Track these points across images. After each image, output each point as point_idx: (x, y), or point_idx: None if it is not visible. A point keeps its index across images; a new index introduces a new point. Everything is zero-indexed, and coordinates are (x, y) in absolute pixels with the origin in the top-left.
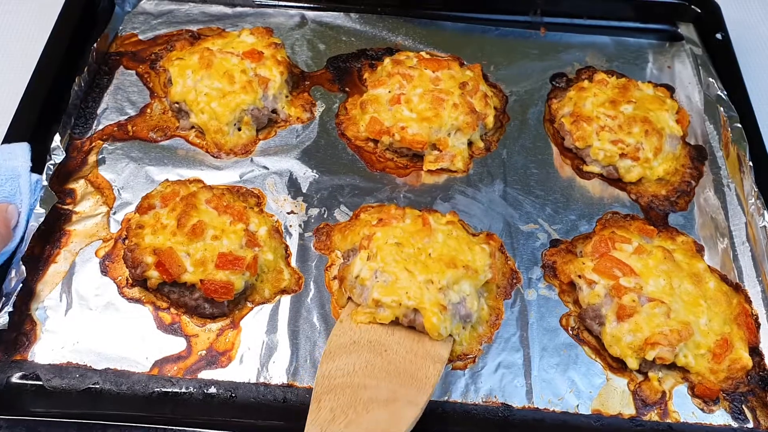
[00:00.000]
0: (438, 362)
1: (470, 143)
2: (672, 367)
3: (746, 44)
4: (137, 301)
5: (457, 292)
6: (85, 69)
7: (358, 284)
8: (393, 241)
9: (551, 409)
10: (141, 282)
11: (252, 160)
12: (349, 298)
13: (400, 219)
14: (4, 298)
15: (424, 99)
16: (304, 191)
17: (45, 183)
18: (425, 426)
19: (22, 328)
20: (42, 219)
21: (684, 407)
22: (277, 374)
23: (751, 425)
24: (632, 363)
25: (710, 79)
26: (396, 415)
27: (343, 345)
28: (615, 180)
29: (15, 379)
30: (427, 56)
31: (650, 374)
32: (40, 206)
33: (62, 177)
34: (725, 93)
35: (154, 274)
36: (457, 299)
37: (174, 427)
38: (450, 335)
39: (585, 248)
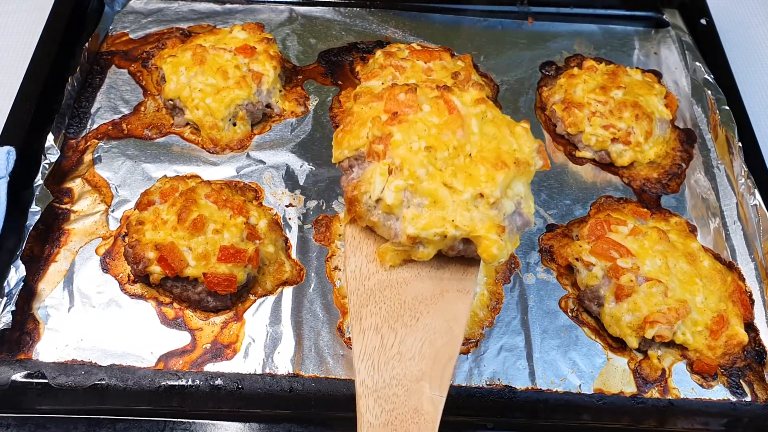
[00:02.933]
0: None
1: None
2: (671, 344)
3: (731, 28)
4: (140, 297)
5: (511, 198)
6: (78, 69)
7: (381, 212)
8: (419, 145)
9: (554, 390)
10: (143, 278)
11: (248, 154)
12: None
13: (415, 107)
14: (6, 298)
15: None
16: (302, 184)
17: (41, 182)
18: None
19: (25, 327)
20: (37, 217)
21: (683, 384)
22: (283, 365)
23: (749, 399)
24: (632, 342)
25: (697, 64)
26: (449, 312)
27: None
28: (607, 164)
29: (20, 378)
30: (419, 47)
31: (650, 352)
32: (36, 204)
33: (59, 176)
34: (712, 77)
35: (156, 270)
36: (512, 208)
37: (182, 420)
38: None
39: (581, 232)
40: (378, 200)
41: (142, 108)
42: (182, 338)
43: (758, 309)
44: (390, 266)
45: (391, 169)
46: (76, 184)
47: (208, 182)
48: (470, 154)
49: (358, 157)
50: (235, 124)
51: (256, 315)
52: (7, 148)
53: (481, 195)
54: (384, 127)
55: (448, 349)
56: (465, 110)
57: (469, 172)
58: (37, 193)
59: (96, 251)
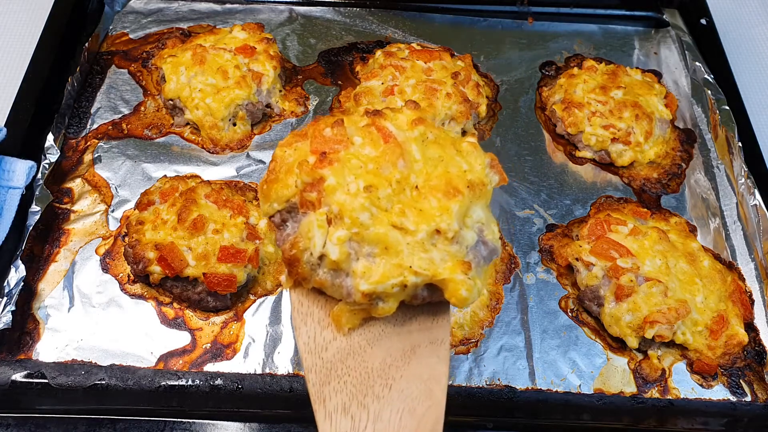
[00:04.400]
0: None
1: (464, 132)
2: (671, 344)
3: (731, 28)
4: (140, 297)
5: (471, 227)
6: (77, 69)
7: (327, 269)
8: (357, 185)
9: (554, 390)
10: (143, 278)
11: (248, 154)
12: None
13: (345, 142)
14: (5, 298)
15: (417, 89)
16: None
17: (41, 181)
18: None
19: (25, 327)
20: (37, 217)
21: (683, 383)
22: (283, 364)
23: (749, 399)
24: (632, 342)
25: (697, 64)
26: (425, 370)
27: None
28: (607, 164)
29: (20, 377)
30: (419, 47)
31: (650, 352)
32: (36, 204)
33: (58, 176)
34: (712, 76)
35: (156, 269)
36: (474, 238)
37: (182, 420)
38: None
39: (581, 232)
40: (321, 257)
41: (142, 108)
42: (182, 338)
43: (758, 309)
44: (348, 329)
45: (330, 218)
46: (76, 184)
47: (208, 182)
48: (416, 186)
49: (291, 209)
50: (235, 124)
51: (256, 315)
52: (30, 162)
53: (438, 231)
54: (313, 172)
55: (432, 415)
56: (402, 135)
57: (419, 206)
58: (36, 192)
59: (96, 251)
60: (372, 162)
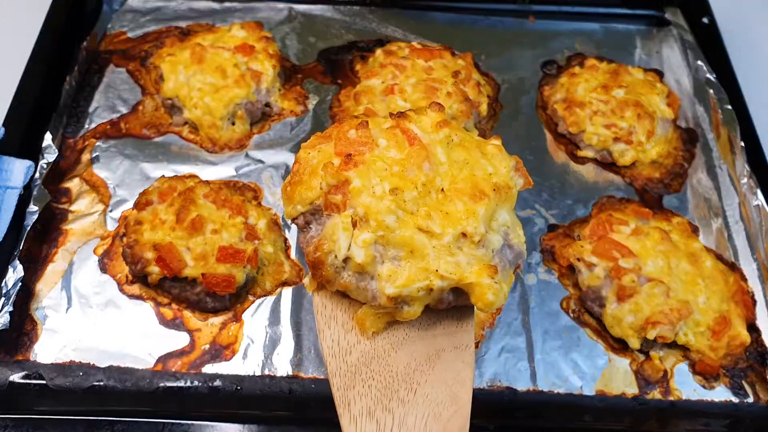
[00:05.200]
0: None
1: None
2: (672, 345)
3: (733, 26)
4: (138, 297)
5: (497, 231)
6: (75, 68)
7: (352, 273)
8: (383, 188)
9: (555, 391)
10: (141, 278)
11: (247, 154)
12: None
13: (370, 144)
14: (3, 299)
15: (417, 88)
16: None
17: (38, 181)
18: None
19: (23, 328)
20: (35, 217)
21: (685, 385)
22: (282, 366)
23: (751, 400)
24: (634, 343)
25: (699, 63)
26: (450, 375)
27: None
28: (609, 164)
29: (18, 378)
30: (419, 46)
31: (651, 353)
32: (33, 204)
33: (56, 176)
34: (714, 76)
35: (154, 270)
36: (500, 242)
37: (181, 421)
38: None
39: (583, 232)
40: (346, 259)
41: (141, 107)
42: (181, 339)
43: (760, 310)
44: (373, 333)
45: (355, 221)
46: (74, 184)
47: (207, 182)
48: (442, 189)
49: (315, 211)
50: (233, 123)
51: (255, 316)
52: (28, 162)
53: (464, 234)
54: (339, 174)
55: (458, 420)
56: (427, 138)
57: (445, 209)
58: (34, 192)
59: (94, 251)
60: (397, 164)
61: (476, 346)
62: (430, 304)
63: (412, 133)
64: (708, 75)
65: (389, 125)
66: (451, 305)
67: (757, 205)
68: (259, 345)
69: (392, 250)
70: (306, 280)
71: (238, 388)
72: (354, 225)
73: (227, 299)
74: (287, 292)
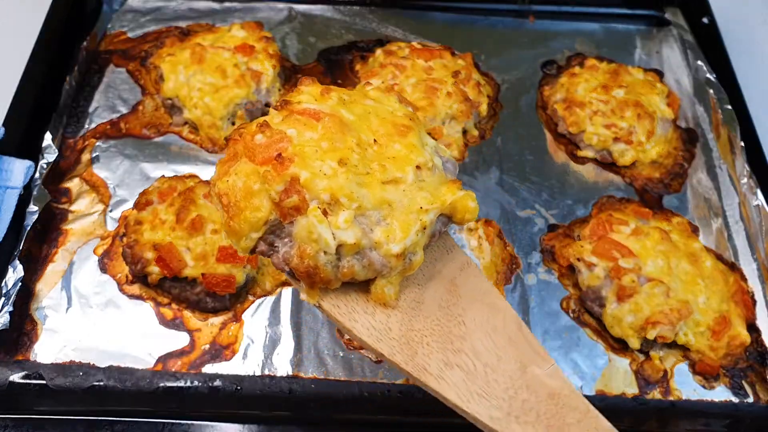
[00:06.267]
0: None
1: (465, 131)
2: (672, 345)
3: (733, 26)
4: (138, 297)
5: (432, 152)
6: (75, 68)
7: (350, 257)
8: (330, 165)
9: None
10: (141, 278)
11: None
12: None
13: (285, 139)
14: (3, 299)
15: (417, 88)
16: None
17: (38, 181)
18: (431, 413)
19: (23, 327)
20: (35, 217)
21: (685, 384)
22: (282, 366)
23: (751, 400)
24: (634, 343)
25: (699, 63)
26: (475, 291)
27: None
28: (609, 164)
29: (18, 378)
30: (419, 46)
31: (651, 353)
32: (33, 204)
33: (56, 176)
34: (714, 76)
35: (154, 270)
36: (440, 160)
37: (181, 421)
38: None
39: (583, 232)
40: (339, 247)
41: (141, 107)
42: (181, 339)
43: (760, 310)
44: (395, 300)
45: (323, 208)
46: (74, 184)
47: (207, 182)
48: (375, 140)
49: (272, 229)
50: (233, 124)
51: (255, 316)
52: (28, 162)
53: (418, 167)
54: (283, 175)
55: (511, 322)
56: (326, 107)
57: (389, 155)
58: (34, 192)
59: (94, 251)
60: (323, 140)
61: None
62: (426, 244)
63: (311, 110)
64: (708, 75)
65: (282, 117)
66: (439, 235)
67: (757, 205)
68: (259, 345)
69: (373, 214)
70: (303, 296)
71: (238, 388)
72: (325, 213)
73: (227, 299)
74: (287, 292)
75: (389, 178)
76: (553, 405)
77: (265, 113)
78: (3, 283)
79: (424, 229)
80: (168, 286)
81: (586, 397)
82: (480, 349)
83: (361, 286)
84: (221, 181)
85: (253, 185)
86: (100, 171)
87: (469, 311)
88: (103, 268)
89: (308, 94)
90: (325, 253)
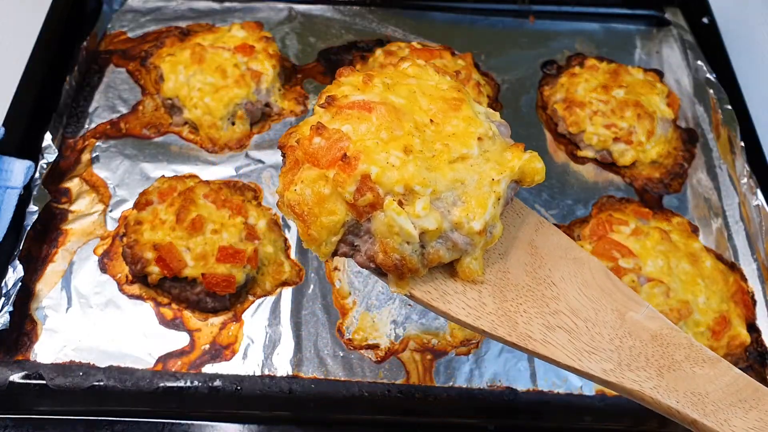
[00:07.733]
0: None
1: None
2: None
3: (733, 26)
4: (138, 297)
5: (485, 119)
6: (75, 68)
7: (434, 243)
8: (396, 155)
9: (555, 391)
10: (141, 278)
11: (247, 154)
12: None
13: (343, 137)
14: (3, 299)
15: None
16: None
17: (38, 181)
18: (431, 413)
19: (23, 328)
20: (35, 217)
21: None
22: (282, 366)
23: None
24: None
25: (699, 63)
26: (556, 249)
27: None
28: (609, 164)
29: (18, 378)
30: (419, 46)
31: None
32: (33, 204)
33: (56, 176)
34: (714, 76)
35: (154, 270)
36: (494, 126)
37: (181, 421)
38: None
39: (583, 232)
40: (421, 235)
41: (141, 107)
42: (181, 339)
43: (760, 310)
44: (483, 275)
45: (400, 200)
46: (74, 184)
47: (207, 182)
48: (431, 120)
49: (349, 230)
50: (233, 123)
51: (255, 316)
52: (28, 162)
53: (480, 138)
54: (353, 175)
55: (597, 272)
56: (374, 96)
57: (449, 132)
58: (34, 192)
59: (94, 251)
60: (381, 131)
61: (476, 346)
62: (501, 213)
63: (359, 101)
64: (708, 75)
65: (330, 115)
66: (510, 201)
67: (757, 205)
68: (259, 345)
69: (448, 195)
70: (393, 288)
71: (238, 388)
72: (400, 204)
73: (227, 299)
74: (287, 292)
75: (455, 156)
76: (659, 346)
77: (265, 113)
78: (3, 283)
79: (499, 199)
80: (168, 286)
81: (587, 397)
82: (576, 306)
83: (446, 268)
84: (289, 192)
85: (323, 190)
86: (100, 171)
87: (556, 271)
88: (103, 268)
89: (350, 85)
90: (408, 243)
